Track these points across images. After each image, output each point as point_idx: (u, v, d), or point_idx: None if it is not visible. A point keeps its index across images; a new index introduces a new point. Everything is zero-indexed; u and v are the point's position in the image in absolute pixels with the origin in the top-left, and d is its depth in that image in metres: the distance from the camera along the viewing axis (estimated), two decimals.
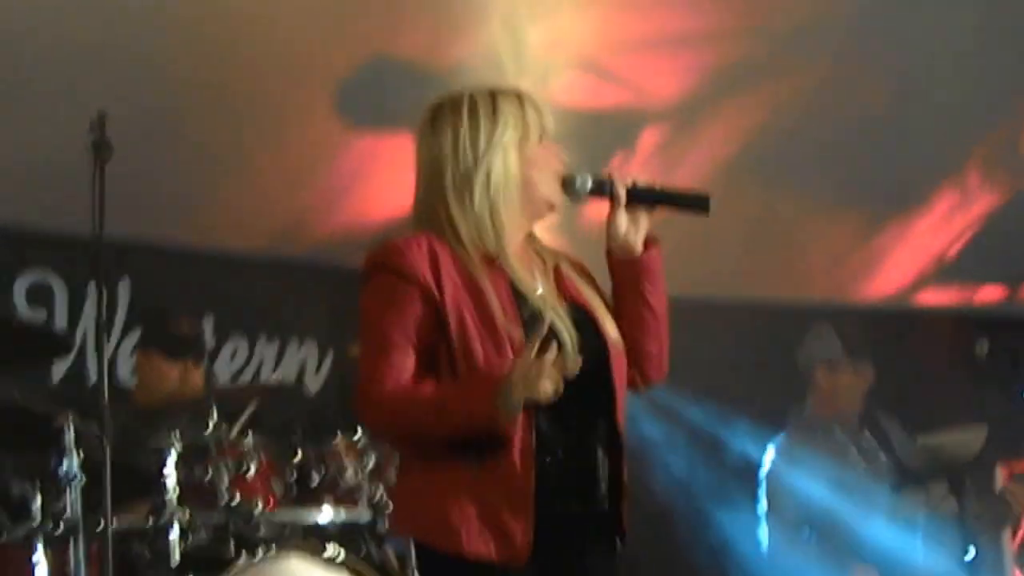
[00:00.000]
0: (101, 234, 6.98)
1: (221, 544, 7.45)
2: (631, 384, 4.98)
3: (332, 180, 9.82)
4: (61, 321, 9.50)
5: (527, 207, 4.85)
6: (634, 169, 8.18)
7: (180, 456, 7.46)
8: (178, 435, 7.50)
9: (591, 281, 5.03)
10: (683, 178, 7.62)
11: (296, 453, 7.81)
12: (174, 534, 7.34)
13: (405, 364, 4.63)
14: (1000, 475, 9.20)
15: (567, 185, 4.89)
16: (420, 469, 4.75)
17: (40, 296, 9.53)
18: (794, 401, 9.74)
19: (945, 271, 11.73)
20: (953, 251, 11.55)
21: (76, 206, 8.11)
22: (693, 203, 4.97)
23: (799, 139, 9.54)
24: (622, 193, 4.89)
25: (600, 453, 4.81)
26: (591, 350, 4.71)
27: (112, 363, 9.31)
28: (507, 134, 4.78)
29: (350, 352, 8.35)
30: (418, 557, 4.78)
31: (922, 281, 11.81)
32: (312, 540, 7.45)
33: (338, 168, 9.74)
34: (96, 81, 8.00)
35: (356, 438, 7.84)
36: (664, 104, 9.38)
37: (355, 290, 9.64)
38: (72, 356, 9.24)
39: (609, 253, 4.96)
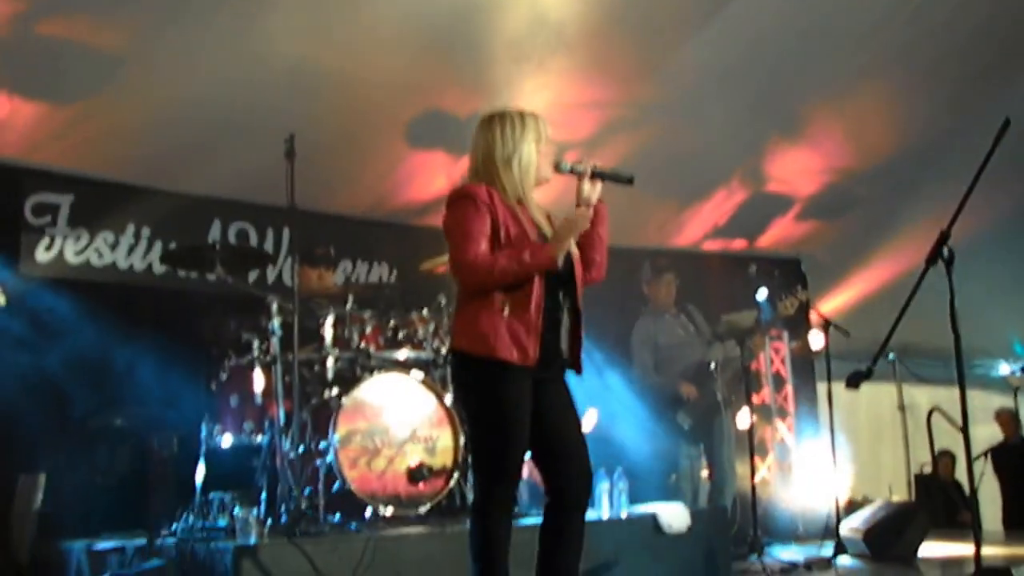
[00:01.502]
0: (293, 205, 6.84)
1: (354, 369, 7.44)
2: (587, 280, 4.98)
3: (400, 175, 9.72)
4: None
5: (536, 177, 4.86)
6: None
7: (332, 321, 7.46)
8: (330, 311, 7.49)
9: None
10: None
11: (390, 321, 7.74)
12: (329, 363, 7.42)
13: (483, 244, 4.63)
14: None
15: (557, 165, 4.92)
16: (474, 312, 4.67)
17: (242, 235, 9.41)
18: (641, 304, 9.59)
19: (718, 231, 11.75)
20: (723, 221, 11.56)
21: (262, 186, 8.09)
22: (626, 179, 4.94)
23: (648, 159, 9.48)
24: (588, 172, 4.92)
25: (567, 317, 4.85)
26: (564, 258, 4.78)
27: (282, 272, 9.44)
28: (528, 135, 4.80)
29: (415, 267, 8.18)
30: (466, 361, 4.69)
31: (706, 236, 11.82)
32: (401, 367, 7.41)
33: (403, 169, 9.65)
34: (283, 114, 7.76)
35: (423, 313, 7.74)
36: (581, 138, 9.34)
37: (410, 236, 9.72)
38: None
39: (577, 205, 4.94)
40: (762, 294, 8.79)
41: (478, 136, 4.87)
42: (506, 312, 4.63)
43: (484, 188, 4.72)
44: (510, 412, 4.60)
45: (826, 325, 8.28)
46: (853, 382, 4.75)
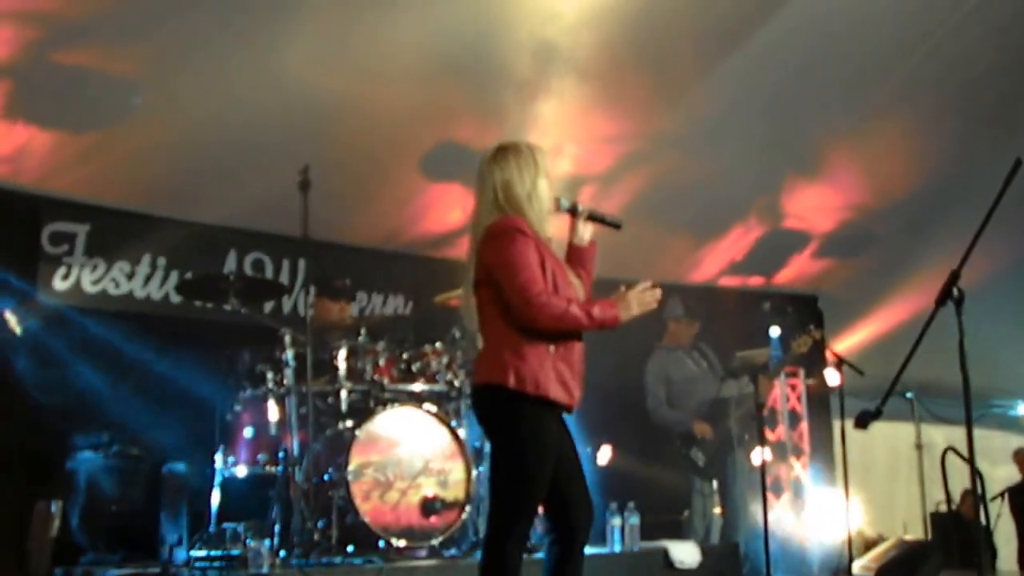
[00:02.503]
0: (307, 237, 6.95)
1: (367, 401, 7.47)
2: None
3: (416, 207, 9.76)
4: None
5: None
6: None
7: (346, 353, 7.49)
8: (344, 343, 7.52)
9: None
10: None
11: (404, 353, 7.75)
12: (343, 395, 7.45)
13: (542, 281, 4.60)
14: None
15: (556, 203, 4.94)
16: (520, 347, 4.60)
17: (257, 266, 9.46)
18: (656, 338, 9.67)
19: (735, 267, 11.76)
20: (739, 257, 11.56)
21: (279, 216, 8.17)
22: (615, 224, 5.08)
23: (664, 194, 9.57)
24: (585, 212, 5.04)
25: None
26: None
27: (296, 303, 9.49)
28: (540, 170, 4.80)
29: (430, 299, 8.27)
30: (509, 396, 4.56)
31: (723, 272, 11.83)
32: (415, 400, 7.46)
33: (419, 201, 9.69)
34: (299, 144, 7.94)
35: (436, 346, 7.76)
36: (598, 172, 9.40)
37: (426, 268, 9.76)
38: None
39: (570, 244, 5.07)
40: (775, 332, 8.85)
41: (493, 169, 4.79)
42: (552, 351, 4.64)
43: (523, 221, 4.71)
44: (549, 451, 4.60)
45: (839, 363, 8.30)
46: (861, 422, 4.78)
